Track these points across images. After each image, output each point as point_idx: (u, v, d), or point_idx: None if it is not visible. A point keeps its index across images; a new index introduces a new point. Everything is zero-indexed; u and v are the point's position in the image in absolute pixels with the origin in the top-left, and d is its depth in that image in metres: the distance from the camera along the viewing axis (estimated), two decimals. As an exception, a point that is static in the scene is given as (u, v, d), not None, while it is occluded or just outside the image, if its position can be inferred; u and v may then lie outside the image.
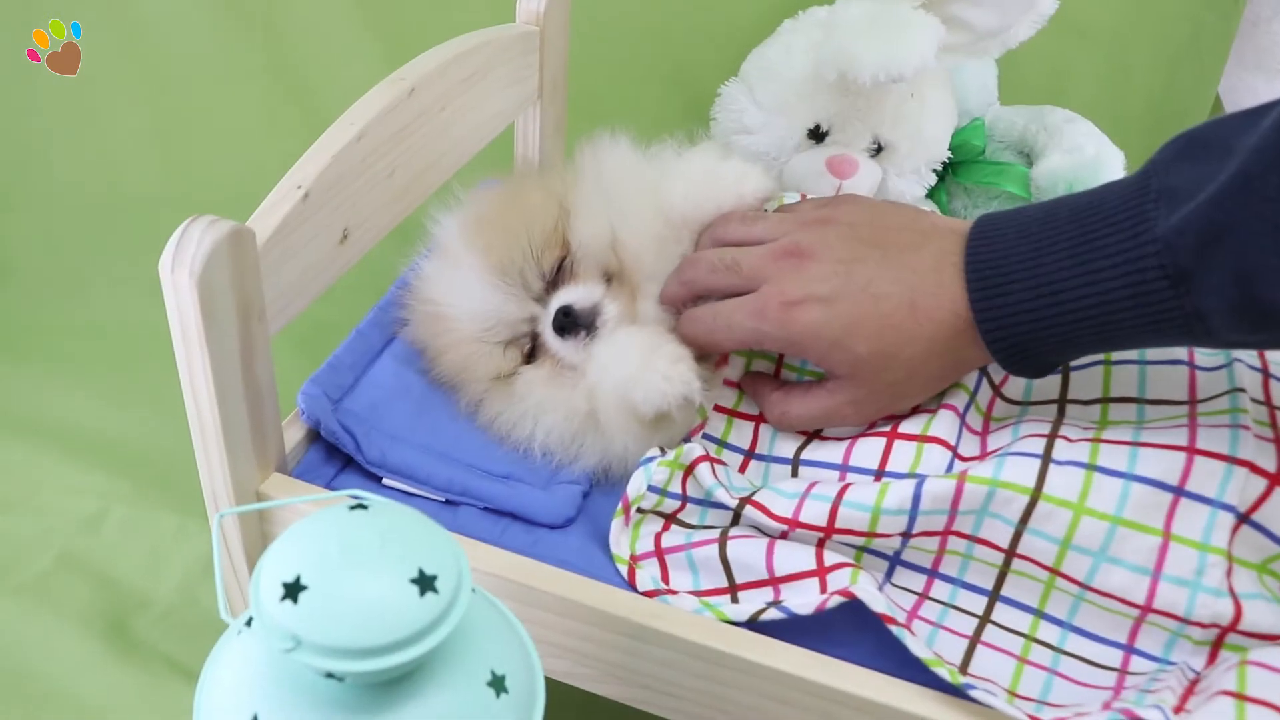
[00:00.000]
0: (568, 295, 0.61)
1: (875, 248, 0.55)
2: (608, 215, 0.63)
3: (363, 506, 0.38)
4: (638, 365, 0.57)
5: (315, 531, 0.37)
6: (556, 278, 0.63)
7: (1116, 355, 0.58)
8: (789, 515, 0.54)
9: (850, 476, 0.56)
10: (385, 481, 0.60)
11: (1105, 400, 0.56)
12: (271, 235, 0.53)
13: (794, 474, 0.58)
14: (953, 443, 0.55)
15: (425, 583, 0.36)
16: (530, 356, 0.63)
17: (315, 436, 0.62)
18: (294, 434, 0.61)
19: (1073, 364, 0.58)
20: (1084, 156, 0.89)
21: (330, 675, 0.36)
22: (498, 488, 0.59)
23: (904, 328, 0.53)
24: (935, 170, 0.91)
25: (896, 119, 0.85)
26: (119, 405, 0.92)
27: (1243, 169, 0.45)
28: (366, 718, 0.37)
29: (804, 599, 0.51)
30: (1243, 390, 0.53)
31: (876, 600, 0.49)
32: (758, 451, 0.61)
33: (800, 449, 0.59)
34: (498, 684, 0.39)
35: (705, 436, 0.61)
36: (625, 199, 0.64)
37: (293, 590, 0.36)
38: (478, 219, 0.65)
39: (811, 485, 0.55)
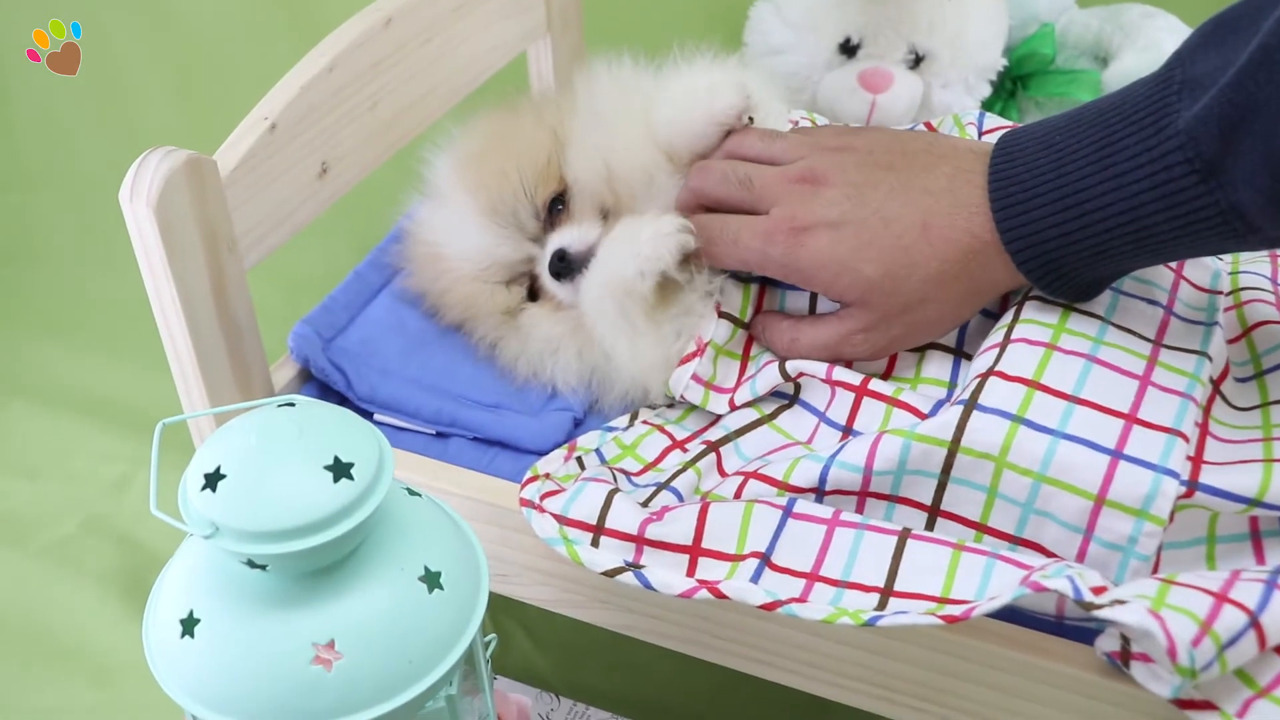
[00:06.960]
0: (563, 238, 0.63)
1: (890, 171, 0.56)
2: (602, 146, 0.64)
3: (290, 404, 0.43)
4: (621, 247, 0.59)
5: (239, 427, 0.42)
6: (552, 216, 0.64)
7: None
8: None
9: (823, 429, 0.58)
10: (376, 417, 0.64)
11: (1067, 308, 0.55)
12: (237, 166, 0.58)
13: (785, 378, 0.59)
14: (925, 411, 0.55)
15: (340, 470, 0.40)
16: (534, 294, 0.65)
17: (308, 377, 0.67)
18: (285, 374, 0.66)
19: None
20: (1161, 54, 0.86)
21: (252, 564, 0.40)
22: (485, 416, 0.63)
23: (915, 249, 0.54)
24: (991, 80, 0.90)
25: (933, 25, 0.85)
26: (147, 376, 1.00)
27: (1263, 43, 0.44)
28: (297, 609, 0.41)
29: (669, 576, 0.51)
30: (1210, 359, 0.53)
31: (753, 594, 0.49)
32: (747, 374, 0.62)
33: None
34: (431, 580, 0.43)
35: (694, 378, 0.61)
36: (617, 127, 0.64)
37: (212, 480, 0.40)
38: (468, 156, 0.67)
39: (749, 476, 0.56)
